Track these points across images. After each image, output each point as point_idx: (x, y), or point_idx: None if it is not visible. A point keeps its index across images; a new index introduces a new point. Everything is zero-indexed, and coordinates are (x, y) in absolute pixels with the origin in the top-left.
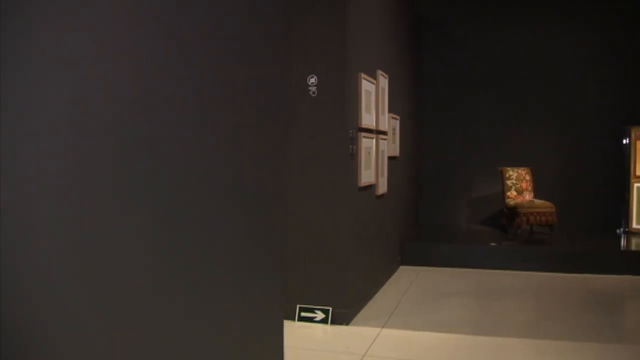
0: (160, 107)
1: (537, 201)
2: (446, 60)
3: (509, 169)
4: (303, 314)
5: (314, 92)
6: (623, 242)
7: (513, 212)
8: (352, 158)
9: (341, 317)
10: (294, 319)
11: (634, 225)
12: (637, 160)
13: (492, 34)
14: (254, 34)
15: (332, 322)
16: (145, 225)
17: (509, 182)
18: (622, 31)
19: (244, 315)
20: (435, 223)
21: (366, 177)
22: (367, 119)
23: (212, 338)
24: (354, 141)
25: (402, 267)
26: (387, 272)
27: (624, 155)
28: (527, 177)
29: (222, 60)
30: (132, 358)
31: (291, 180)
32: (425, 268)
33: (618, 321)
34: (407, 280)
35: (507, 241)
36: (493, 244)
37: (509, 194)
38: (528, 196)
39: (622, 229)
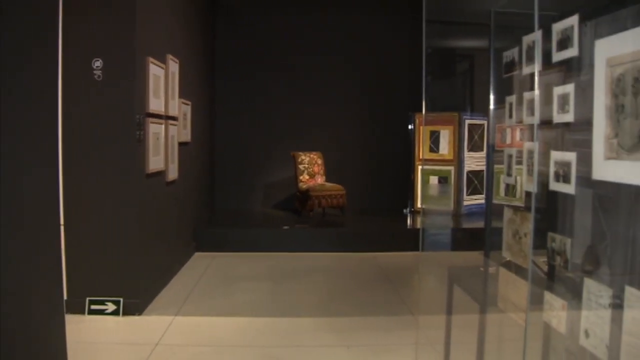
0: None
1: (328, 184)
2: (239, 46)
3: (301, 153)
4: (93, 306)
5: (99, 76)
6: (409, 220)
7: (305, 195)
8: (139, 144)
9: (133, 307)
10: (83, 313)
11: (419, 205)
12: (421, 144)
13: (284, 19)
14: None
15: (124, 313)
16: None
17: (301, 167)
18: (407, 19)
19: (21, 313)
20: (231, 208)
21: (155, 163)
22: (156, 104)
23: None
24: (141, 127)
25: (197, 254)
26: (181, 260)
27: (410, 139)
28: (319, 162)
29: None
30: None
31: (74, 167)
32: (220, 254)
33: (404, 294)
34: (201, 267)
35: (300, 224)
36: (286, 227)
37: (301, 177)
38: (320, 180)
39: (408, 209)
